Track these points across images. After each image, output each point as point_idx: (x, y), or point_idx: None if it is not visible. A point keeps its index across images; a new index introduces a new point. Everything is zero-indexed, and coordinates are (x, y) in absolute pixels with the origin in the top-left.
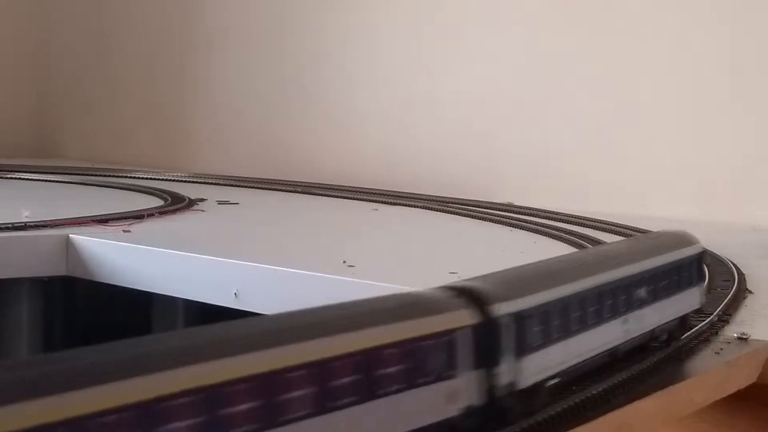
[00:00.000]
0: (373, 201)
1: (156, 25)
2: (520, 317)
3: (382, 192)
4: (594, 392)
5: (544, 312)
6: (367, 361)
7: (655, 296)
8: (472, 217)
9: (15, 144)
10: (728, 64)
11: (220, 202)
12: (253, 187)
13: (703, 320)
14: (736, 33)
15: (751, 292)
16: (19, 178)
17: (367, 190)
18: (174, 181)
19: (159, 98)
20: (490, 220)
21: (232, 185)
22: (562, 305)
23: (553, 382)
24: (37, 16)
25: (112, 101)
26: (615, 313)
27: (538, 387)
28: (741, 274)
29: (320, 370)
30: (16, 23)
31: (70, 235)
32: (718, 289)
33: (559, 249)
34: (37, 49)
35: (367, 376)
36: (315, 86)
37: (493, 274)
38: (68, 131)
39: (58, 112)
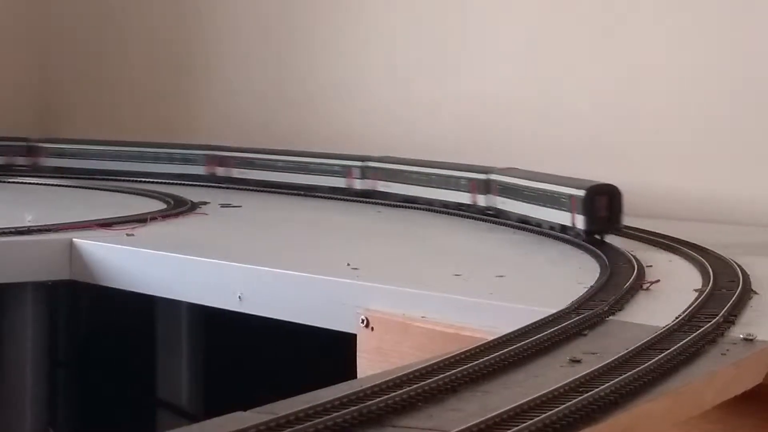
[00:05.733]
0: (375, 203)
1: (161, 24)
2: None
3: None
4: (601, 393)
5: None
6: None
7: None
8: (475, 219)
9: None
10: (730, 63)
11: (223, 205)
12: (255, 190)
13: (709, 321)
14: (738, 32)
15: (756, 292)
16: (22, 183)
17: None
18: (176, 184)
19: (159, 100)
20: (493, 222)
21: (234, 188)
22: None
23: None
24: (37, 13)
25: (112, 103)
26: None
27: None
28: (746, 275)
29: None
30: (16, 22)
31: (74, 240)
32: (723, 290)
33: (561, 249)
34: (36, 53)
35: None
36: (317, 88)
37: None
38: (68, 131)
39: (57, 115)
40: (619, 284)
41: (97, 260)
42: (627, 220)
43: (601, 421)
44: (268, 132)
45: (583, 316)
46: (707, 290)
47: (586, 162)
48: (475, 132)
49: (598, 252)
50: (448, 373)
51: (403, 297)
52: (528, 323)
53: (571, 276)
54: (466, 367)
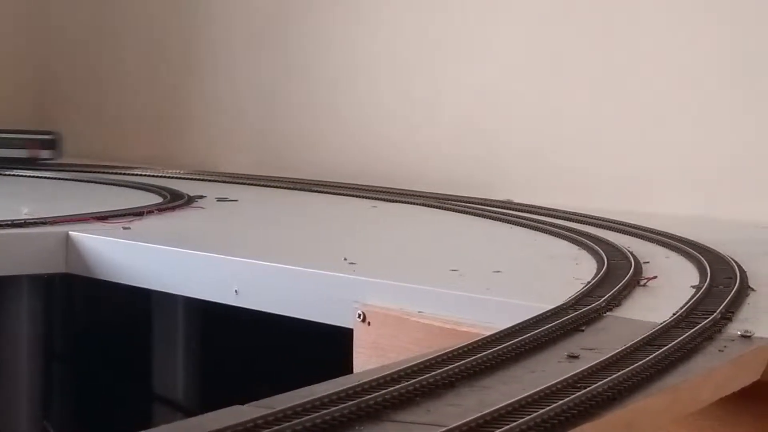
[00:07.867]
0: (372, 198)
1: (159, 23)
2: None
3: (380, 189)
4: (600, 389)
5: None
6: None
7: None
8: (472, 215)
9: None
10: (729, 63)
11: (220, 199)
12: (252, 184)
13: (707, 318)
14: (736, 32)
15: (753, 289)
16: (18, 176)
17: (365, 187)
18: (173, 178)
19: (158, 96)
20: (490, 218)
21: (230, 182)
22: None
23: None
24: (36, 13)
25: (112, 99)
26: None
27: None
28: (743, 272)
29: None
30: (15, 20)
31: (70, 233)
32: (721, 287)
33: (559, 246)
34: (35, 50)
35: None
36: (316, 84)
37: None
38: (66, 129)
39: (56, 112)
40: (616, 280)
41: (93, 253)
42: (625, 216)
43: (599, 417)
44: (268, 131)
45: (580, 311)
46: (704, 287)
47: (587, 160)
48: (474, 130)
49: (597, 248)
50: (446, 368)
51: (400, 292)
52: (525, 318)
53: (568, 272)
54: (464, 362)
